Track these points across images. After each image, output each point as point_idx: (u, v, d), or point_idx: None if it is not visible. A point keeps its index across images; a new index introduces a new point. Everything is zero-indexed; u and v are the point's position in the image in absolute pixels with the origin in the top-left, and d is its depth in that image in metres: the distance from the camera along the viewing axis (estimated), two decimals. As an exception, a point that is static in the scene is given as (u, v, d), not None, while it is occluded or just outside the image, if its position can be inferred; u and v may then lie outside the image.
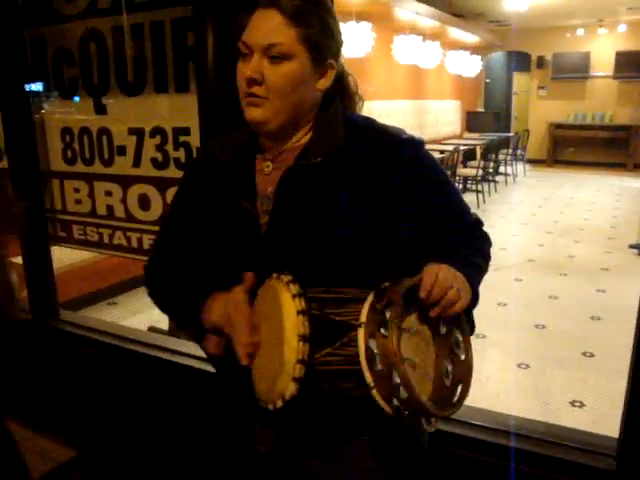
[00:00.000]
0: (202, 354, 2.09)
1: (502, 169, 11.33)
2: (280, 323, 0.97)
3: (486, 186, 9.85)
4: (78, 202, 2.40)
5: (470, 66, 11.88)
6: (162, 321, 3.52)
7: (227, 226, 1.19)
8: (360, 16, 6.57)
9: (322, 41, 1.09)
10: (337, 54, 1.15)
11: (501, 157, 11.06)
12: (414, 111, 10.15)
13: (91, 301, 4.15)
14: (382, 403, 0.95)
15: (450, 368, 1.03)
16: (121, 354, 2.30)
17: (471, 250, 1.18)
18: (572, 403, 3.32)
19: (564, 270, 5.77)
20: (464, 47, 11.76)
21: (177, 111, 2.02)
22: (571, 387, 3.50)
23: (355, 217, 1.10)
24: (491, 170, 10.36)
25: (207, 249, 1.22)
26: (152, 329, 3.48)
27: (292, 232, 1.12)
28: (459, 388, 1.02)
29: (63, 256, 2.89)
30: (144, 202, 2.19)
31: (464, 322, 1.04)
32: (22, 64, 2.35)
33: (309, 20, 1.07)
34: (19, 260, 2.86)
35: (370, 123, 1.18)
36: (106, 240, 2.37)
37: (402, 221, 1.13)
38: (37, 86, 2.43)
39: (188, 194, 1.30)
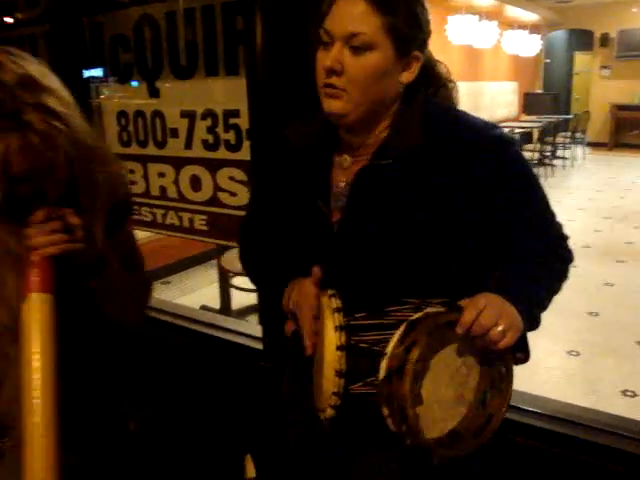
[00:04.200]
0: (251, 332, 2.17)
1: (560, 153, 11.03)
2: (322, 352, 1.01)
3: (543, 170, 9.62)
4: (133, 183, 2.49)
5: (528, 46, 11.56)
6: (213, 300, 3.63)
7: (299, 219, 1.18)
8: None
9: (408, 31, 1.02)
10: (423, 45, 1.08)
11: (559, 140, 10.76)
12: (469, 93, 9.96)
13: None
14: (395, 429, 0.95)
15: (488, 397, 1.01)
16: (175, 331, 2.38)
17: (545, 270, 1.10)
18: (624, 392, 3.25)
19: (621, 257, 5.60)
20: (522, 26, 11.44)
21: (227, 94, 2.06)
22: (623, 376, 3.42)
23: (428, 221, 1.05)
24: (548, 153, 10.10)
25: (285, 234, 1.22)
26: (204, 308, 3.60)
27: (364, 233, 1.09)
28: (491, 420, 1.01)
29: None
30: (195, 183, 2.25)
31: (509, 357, 1.00)
32: (81, 50, 2.44)
33: (396, 8, 1.00)
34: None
35: (456, 118, 1.11)
36: (159, 220, 2.45)
37: (476, 227, 1.07)
38: (94, 71, 2.52)
39: (262, 183, 1.33)
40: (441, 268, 1.05)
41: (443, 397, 0.97)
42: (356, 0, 1.00)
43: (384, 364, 0.93)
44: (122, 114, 2.43)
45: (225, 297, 3.67)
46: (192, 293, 3.98)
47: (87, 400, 1.24)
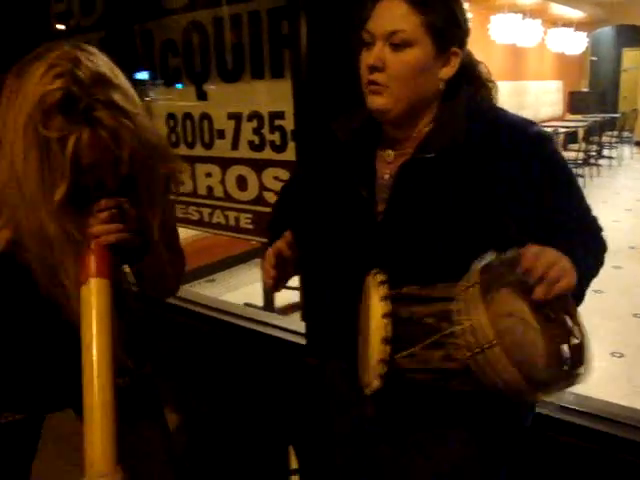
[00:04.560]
0: (294, 328, 2.23)
1: (607, 152, 10.80)
2: (369, 322, 1.06)
3: (588, 170, 9.44)
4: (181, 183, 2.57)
5: (574, 43, 11.35)
6: (257, 298, 3.70)
7: (343, 210, 1.23)
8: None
9: (446, 28, 1.08)
10: (462, 42, 1.13)
11: (606, 139, 10.54)
12: (512, 92, 9.84)
13: (191, 278, 4.39)
14: (504, 361, 0.94)
15: (567, 354, 0.99)
16: (219, 326, 2.46)
17: (587, 250, 1.11)
18: (669, 394, 3.20)
19: (669, 259, 5.47)
20: (568, 23, 11.24)
21: (273, 96, 2.12)
22: (668, 378, 3.36)
23: (469, 213, 1.10)
24: (594, 153, 9.90)
25: (317, 226, 1.28)
26: (248, 305, 3.67)
27: (407, 223, 1.14)
28: (580, 369, 1.00)
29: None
30: (241, 182, 2.32)
31: (573, 305, 0.99)
32: (132, 56, 2.55)
33: (434, 7, 1.06)
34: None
35: (497, 115, 1.15)
36: (206, 219, 2.53)
37: (517, 220, 1.10)
38: (145, 75, 2.62)
39: (305, 174, 1.40)
40: (479, 255, 1.07)
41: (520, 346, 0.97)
42: (397, 1, 1.06)
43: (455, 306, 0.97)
44: (171, 116, 2.53)
45: (268, 295, 3.74)
46: (236, 291, 4.07)
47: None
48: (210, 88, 2.35)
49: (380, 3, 1.10)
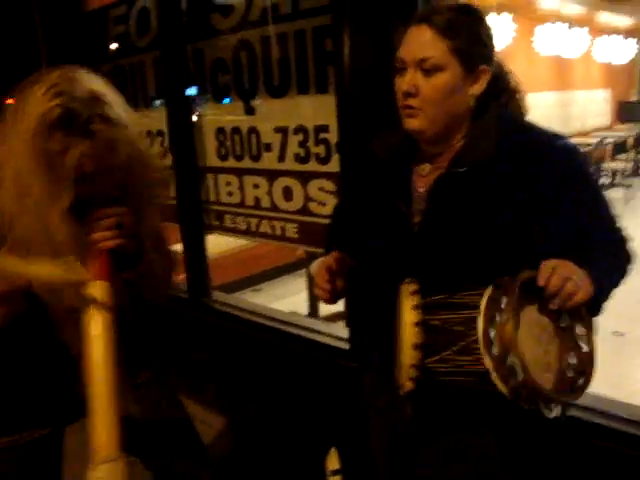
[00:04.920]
0: (338, 334, 2.30)
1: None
2: (401, 332, 1.13)
3: (638, 180, 9.24)
4: (229, 194, 2.69)
5: (622, 52, 11.15)
6: (302, 307, 3.79)
7: (382, 222, 1.31)
8: (501, 8, 6.46)
9: (472, 50, 1.15)
10: (490, 59, 1.19)
11: (656, 149, 10.28)
12: (558, 103, 9.72)
13: (238, 287, 4.51)
14: (500, 385, 1.02)
15: (574, 361, 1.07)
16: (265, 331, 2.55)
17: (610, 260, 1.15)
18: None
19: None
20: (616, 31, 11.06)
21: (317, 110, 2.21)
22: None
23: (498, 225, 1.15)
24: (644, 163, 9.69)
25: (362, 233, 1.36)
26: (293, 314, 3.76)
27: (442, 234, 1.21)
28: (581, 380, 1.07)
29: (211, 245, 3.22)
30: (287, 193, 2.42)
31: (586, 315, 1.07)
32: (184, 74, 2.68)
33: (459, 32, 1.13)
34: (178, 247, 3.23)
35: (526, 129, 1.21)
36: (253, 228, 2.64)
37: (544, 232, 1.15)
38: (195, 91, 2.75)
39: (351, 191, 1.49)
40: (510, 264, 1.12)
41: (537, 357, 1.05)
42: (424, 29, 1.14)
43: (480, 319, 1.02)
44: (220, 130, 2.65)
45: (313, 304, 3.82)
46: (282, 300, 4.17)
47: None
48: (258, 103, 2.46)
49: (409, 30, 1.17)
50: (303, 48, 2.18)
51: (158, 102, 2.98)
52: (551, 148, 1.16)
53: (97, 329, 1.11)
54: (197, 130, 2.76)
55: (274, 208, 2.50)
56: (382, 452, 1.55)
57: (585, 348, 1.07)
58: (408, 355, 1.09)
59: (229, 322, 2.74)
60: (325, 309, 3.81)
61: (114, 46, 3.17)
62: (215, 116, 2.70)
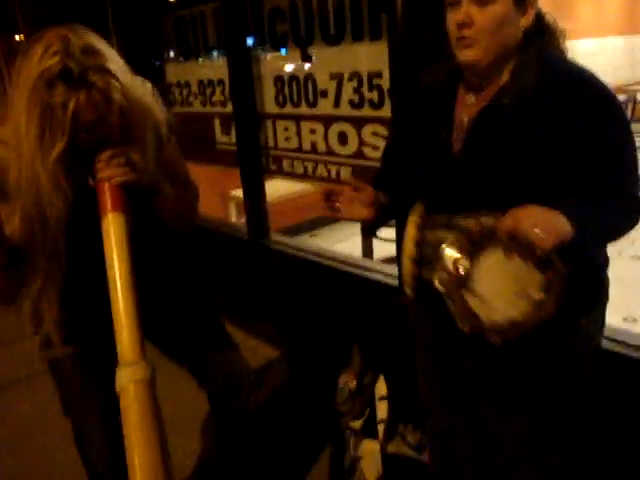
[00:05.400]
0: (389, 271, 2.43)
1: None
2: (403, 243, 1.28)
3: None
4: (287, 139, 2.82)
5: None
6: (357, 251, 3.92)
7: (425, 150, 1.41)
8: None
9: None
10: None
11: None
12: (627, 49, 9.17)
13: (295, 232, 4.66)
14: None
15: (545, 298, 1.18)
16: (320, 270, 2.72)
17: (606, 211, 1.21)
18: None
19: None
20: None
21: (371, 57, 2.29)
22: None
23: (533, 157, 1.22)
24: None
25: (408, 167, 1.46)
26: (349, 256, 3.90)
27: (480, 161, 1.30)
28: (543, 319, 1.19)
29: (271, 191, 3.36)
30: (342, 138, 2.53)
31: (555, 259, 1.15)
32: (243, 23, 2.79)
33: None
34: (238, 192, 3.40)
35: (567, 69, 1.25)
36: (310, 172, 2.77)
37: (566, 167, 1.22)
38: (254, 41, 2.86)
39: (397, 122, 1.59)
40: (531, 195, 1.20)
41: (503, 293, 1.18)
42: None
43: (441, 260, 1.19)
44: (278, 78, 2.76)
45: (367, 247, 3.95)
46: (337, 244, 4.29)
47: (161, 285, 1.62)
48: (314, 51, 2.55)
49: None
50: (358, -5, 2.25)
51: (219, 50, 3.10)
52: (591, 89, 1.22)
53: (114, 234, 1.26)
54: (256, 78, 2.87)
55: (330, 152, 2.62)
56: (430, 387, 1.71)
57: (557, 286, 1.17)
58: (407, 266, 1.25)
59: (287, 262, 2.92)
60: (379, 254, 3.94)
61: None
62: (273, 64, 2.81)
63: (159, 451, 1.16)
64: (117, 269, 1.24)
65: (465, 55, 1.24)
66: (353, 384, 2.33)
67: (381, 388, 2.20)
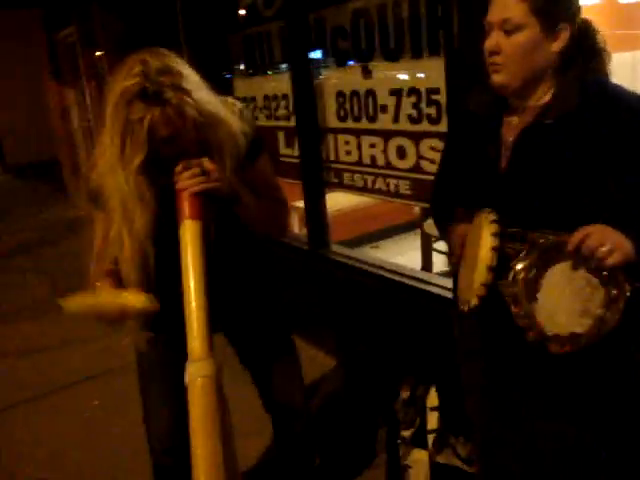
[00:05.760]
0: (445, 284, 2.45)
1: None
2: (478, 252, 1.29)
3: None
4: (348, 153, 2.89)
5: None
6: (416, 264, 3.94)
7: (475, 167, 1.46)
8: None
9: (552, 9, 1.24)
10: (572, 17, 1.28)
11: None
12: None
13: (357, 244, 4.72)
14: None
15: (607, 315, 1.21)
16: (378, 280, 2.76)
17: None
18: None
19: None
20: None
21: (429, 73, 2.33)
22: None
23: (576, 175, 1.26)
24: None
25: (462, 185, 1.52)
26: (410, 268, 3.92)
27: (524, 178, 1.34)
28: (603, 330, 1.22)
29: (332, 203, 3.43)
30: (401, 152, 2.58)
31: (622, 279, 1.19)
32: (307, 41, 2.89)
33: None
34: (300, 204, 3.49)
35: (608, 88, 1.29)
36: (369, 185, 2.83)
37: (619, 185, 1.24)
38: (317, 57, 2.95)
39: (450, 142, 1.64)
40: (581, 209, 1.24)
41: (568, 307, 1.20)
42: None
43: (511, 272, 1.21)
44: (340, 93, 2.84)
45: (427, 260, 3.96)
46: (398, 256, 4.32)
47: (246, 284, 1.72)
48: (374, 67, 2.62)
49: None
50: (417, 14, 2.30)
51: (283, 67, 3.21)
52: (631, 109, 1.25)
53: (189, 240, 1.36)
54: (318, 93, 2.96)
55: (388, 166, 2.67)
56: (471, 396, 1.73)
57: (620, 304, 1.20)
58: (482, 275, 1.25)
59: (346, 272, 2.98)
60: (439, 266, 3.95)
61: (243, 17, 3.44)
62: (335, 80, 2.89)
63: (220, 443, 1.26)
64: (191, 273, 1.34)
65: (494, 79, 1.32)
66: (406, 394, 2.36)
67: (433, 399, 2.22)
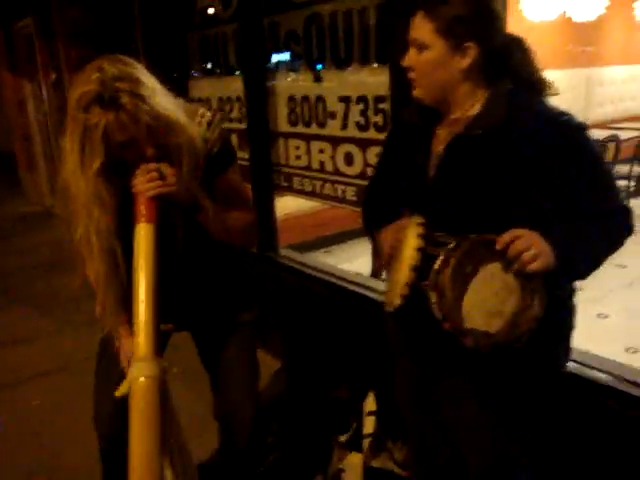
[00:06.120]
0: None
1: None
2: (402, 256, 1.32)
3: None
4: (298, 157, 2.91)
5: None
6: (367, 269, 3.98)
7: (405, 175, 1.50)
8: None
9: (456, 29, 1.29)
10: (482, 36, 1.32)
11: None
12: None
13: (310, 248, 4.73)
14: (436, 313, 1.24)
15: (521, 321, 1.23)
16: (324, 285, 2.78)
17: (595, 229, 1.29)
18: None
19: None
20: None
21: (377, 81, 2.37)
22: None
23: (499, 185, 1.31)
24: None
25: (392, 192, 1.56)
26: (358, 274, 3.95)
27: (451, 187, 1.39)
28: (524, 336, 1.24)
29: (281, 206, 3.44)
30: (349, 159, 2.61)
31: (539, 285, 1.22)
32: (261, 45, 2.90)
33: (443, 13, 1.29)
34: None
35: (533, 104, 1.33)
36: (318, 190, 2.85)
37: (544, 197, 1.30)
38: (270, 61, 2.97)
39: (386, 151, 1.68)
40: (506, 218, 1.28)
41: (484, 305, 1.23)
42: (419, 13, 1.33)
43: (438, 260, 1.22)
44: (291, 98, 2.86)
45: (377, 267, 4.01)
46: (348, 262, 4.35)
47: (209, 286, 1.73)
48: (325, 73, 2.64)
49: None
50: (366, 23, 2.34)
51: (236, 71, 3.21)
52: (555, 122, 1.30)
53: (142, 242, 1.38)
54: (271, 97, 2.98)
55: (337, 172, 2.70)
56: (402, 394, 1.76)
57: (535, 310, 1.23)
58: (406, 274, 1.28)
59: (293, 276, 2.99)
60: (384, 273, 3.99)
61: (201, 17, 3.43)
62: (287, 84, 2.91)
63: (158, 448, 1.25)
64: (141, 274, 1.36)
65: (413, 93, 1.41)
66: (344, 398, 2.38)
67: (370, 404, 2.25)
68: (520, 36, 1.41)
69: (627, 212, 1.35)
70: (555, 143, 1.27)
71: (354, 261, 4.43)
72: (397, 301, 1.30)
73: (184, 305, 1.71)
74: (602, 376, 1.79)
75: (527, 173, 1.28)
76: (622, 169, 5.20)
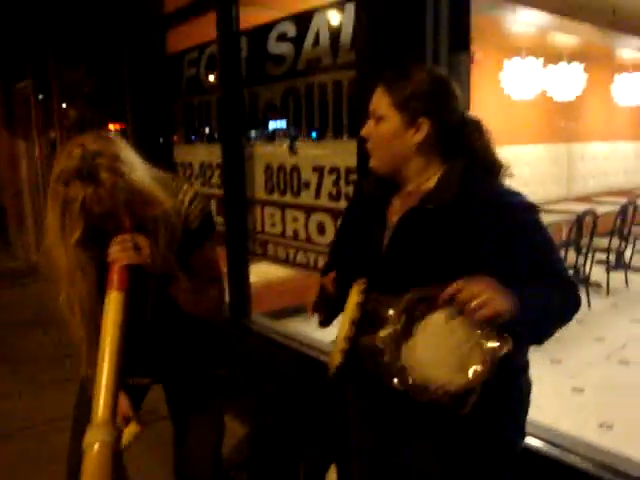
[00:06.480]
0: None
1: None
2: (345, 310, 1.34)
3: None
4: (273, 225, 2.94)
5: None
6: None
7: (360, 245, 1.52)
8: (574, 57, 6.47)
9: (411, 104, 1.34)
10: (435, 113, 1.37)
11: None
12: (637, 155, 9.33)
13: (285, 314, 4.72)
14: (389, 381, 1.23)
15: (476, 370, 1.18)
16: (291, 353, 2.76)
17: (546, 295, 1.28)
18: None
19: None
20: None
21: (348, 153, 2.41)
22: None
23: (449, 256, 1.32)
24: None
25: (347, 260, 1.56)
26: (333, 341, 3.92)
27: (402, 258, 1.40)
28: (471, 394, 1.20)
29: (263, 271, 3.45)
30: (321, 228, 2.65)
31: (492, 331, 1.18)
32: (240, 115, 2.98)
33: (400, 89, 1.35)
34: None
35: (486, 184, 1.37)
36: (291, 258, 2.87)
37: (494, 269, 1.28)
38: (249, 130, 3.05)
39: (345, 219, 1.71)
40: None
41: (443, 360, 1.20)
42: (379, 85, 1.39)
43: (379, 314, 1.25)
44: (268, 167, 2.92)
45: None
46: (328, 328, 4.33)
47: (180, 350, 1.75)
48: (300, 144, 2.71)
49: None
50: (339, 97, 2.42)
51: (217, 138, 3.29)
52: (506, 203, 1.33)
53: (111, 310, 1.41)
54: (248, 165, 3.04)
55: (309, 240, 2.73)
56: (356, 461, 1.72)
57: (481, 364, 1.18)
58: (345, 328, 1.29)
59: (262, 343, 2.97)
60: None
61: (186, 85, 3.54)
62: (264, 153, 2.98)
63: None
64: (107, 340, 1.39)
65: (369, 162, 1.44)
66: (306, 468, 2.33)
67: (331, 475, 2.20)
68: (478, 118, 1.45)
69: (573, 287, 1.36)
70: (501, 224, 1.30)
71: (331, 328, 4.42)
72: (338, 359, 1.30)
73: (156, 360, 1.75)
74: (572, 457, 1.75)
75: (475, 249, 1.30)
76: (601, 242, 5.25)
